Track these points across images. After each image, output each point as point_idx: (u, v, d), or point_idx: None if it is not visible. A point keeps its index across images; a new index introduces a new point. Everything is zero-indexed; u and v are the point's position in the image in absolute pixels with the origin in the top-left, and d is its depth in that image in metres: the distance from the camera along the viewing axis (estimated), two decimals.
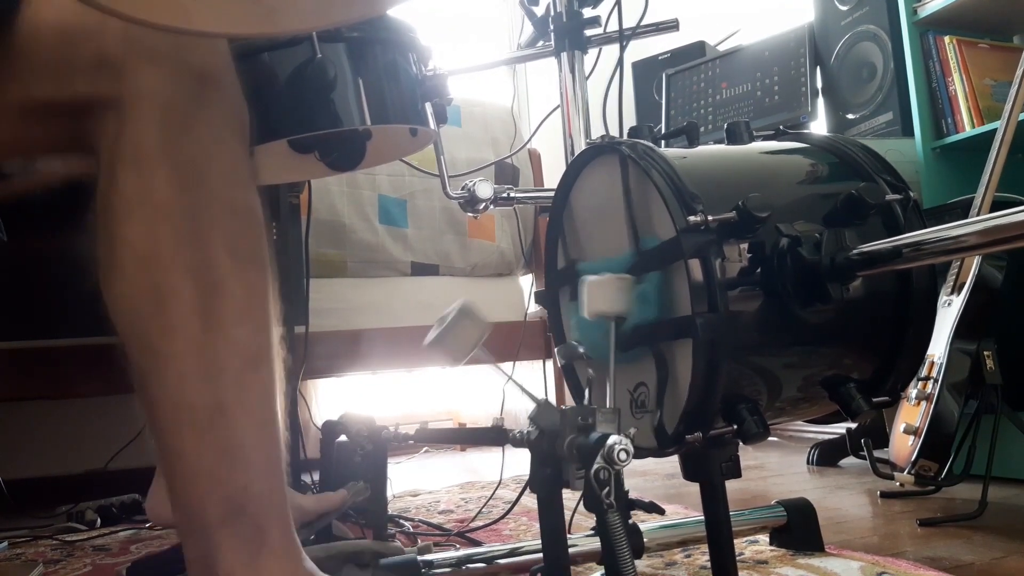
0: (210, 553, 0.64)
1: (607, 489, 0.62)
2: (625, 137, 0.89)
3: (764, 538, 1.09)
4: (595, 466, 0.62)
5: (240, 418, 0.65)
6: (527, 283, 2.43)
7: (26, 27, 0.62)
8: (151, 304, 0.63)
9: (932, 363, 1.32)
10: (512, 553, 0.95)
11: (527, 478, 0.75)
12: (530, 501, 1.18)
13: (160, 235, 0.63)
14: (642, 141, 0.84)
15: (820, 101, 2.08)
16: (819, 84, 2.08)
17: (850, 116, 2.00)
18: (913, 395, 1.32)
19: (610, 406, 0.74)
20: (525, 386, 0.81)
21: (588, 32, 1.39)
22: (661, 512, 0.82)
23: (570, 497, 0.75)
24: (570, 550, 0.85)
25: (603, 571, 0.67)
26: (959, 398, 1.29)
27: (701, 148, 0.90)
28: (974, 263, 1.34)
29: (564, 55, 1.38)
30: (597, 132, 1.30)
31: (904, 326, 0.81)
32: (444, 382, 3.01)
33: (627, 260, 0.83)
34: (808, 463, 1.85)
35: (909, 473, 1.28)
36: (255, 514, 0.65)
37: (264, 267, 0.68)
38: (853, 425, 1.73)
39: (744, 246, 0.75)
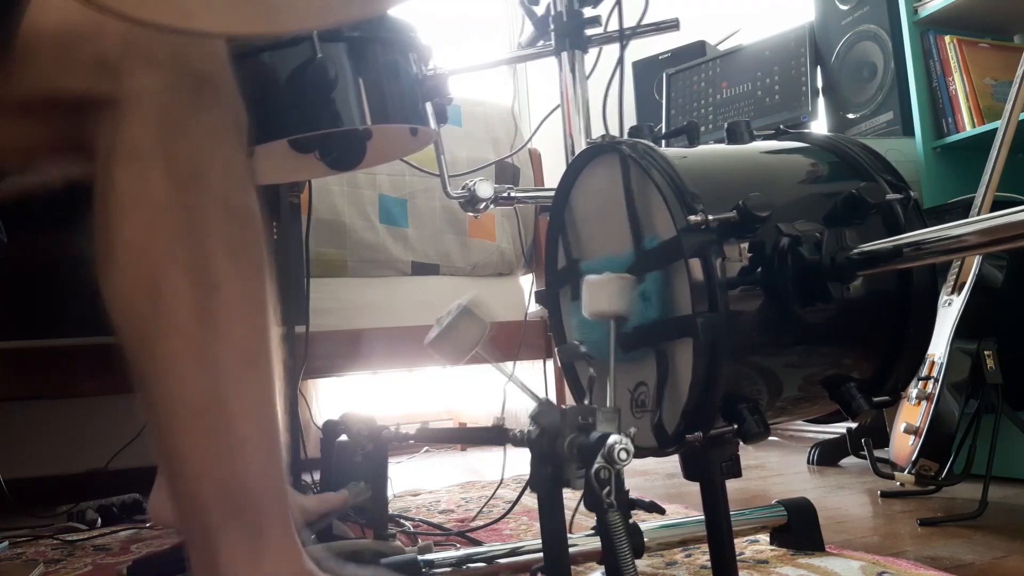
0: (211, 553, 0.64)
1: (607, 488, 0.62)
2: (625, 137, 0.89)
3: (764, 538, 1.09)
4: (595, 465, 0.62)
5: (238, 415, 0.65)
6: (527, 283, 2.43)
7: (26, 29, 0.63)
8: (148, 301, 0.63)
9: (932, 363, 1.32)
10: (512, 553, 0.95)
11: (527, 478, 0.75)
12: (530, 501, 1.18)
13: (157, 232, 0.64)
14: (642, 141, 0.84)
15: (820, 101, 2.08)
16: (819, 84, 2.08)
17: (850, 116, 2.00)
18: (913, 395, 1.32)
19: (610, 405, 0.74)
20: (526, 386, 0.81)
21: (588, 32, 1.39)
22: (661, 512, 0.82)
23: (571, 497, 0.75)
24: (570, 550, 0.85)
25: (603, 570, 0.66)
26: (959, 398, 1.29)
27: (701, 148, 0.90)
28: (974, 263, 1.34)
29: (564, 55, 1.38)
30: (597, 132, 1.30)
31: (904, 326, 0.80)
32: (444, 382, 3.01)
33: (627, 259, 0.83)
34: (808, 463, 1.85)
35: (909, 473, 1.28)
36: (255, 513, 0.65)
37: (261, 266, 0.69)
38: (853, 425, 1.73)
39: (744, 245, 0.75)
